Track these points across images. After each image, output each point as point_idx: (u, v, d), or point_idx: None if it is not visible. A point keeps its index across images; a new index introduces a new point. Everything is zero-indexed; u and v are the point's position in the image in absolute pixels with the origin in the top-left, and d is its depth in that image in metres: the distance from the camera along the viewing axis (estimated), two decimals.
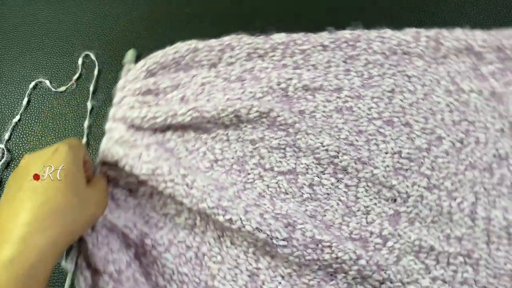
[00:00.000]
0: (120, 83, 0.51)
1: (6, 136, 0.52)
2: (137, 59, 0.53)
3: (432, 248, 0.44)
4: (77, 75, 0.54)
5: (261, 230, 0.43)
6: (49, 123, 0.53)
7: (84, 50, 0.55)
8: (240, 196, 0.46)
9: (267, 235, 0.43)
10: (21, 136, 0.52)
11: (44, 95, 0.54)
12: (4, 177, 0.51)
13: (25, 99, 0.53)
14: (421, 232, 0.45)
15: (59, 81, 0.54)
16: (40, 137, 0.52)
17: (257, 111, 0.48)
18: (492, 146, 0.47)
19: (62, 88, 0.54)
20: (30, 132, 0.52)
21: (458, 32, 0.51)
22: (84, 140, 0.52)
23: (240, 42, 0.51)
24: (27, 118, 0.53)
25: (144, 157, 0.46)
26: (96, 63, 0.54)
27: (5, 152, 0.51)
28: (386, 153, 0.48)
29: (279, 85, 0.50)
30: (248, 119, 0.48)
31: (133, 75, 0.51)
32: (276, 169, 0.47)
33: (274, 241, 0.43)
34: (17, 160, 0.51)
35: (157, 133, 0.49)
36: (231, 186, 0.47)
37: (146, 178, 0.45)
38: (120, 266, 0.43)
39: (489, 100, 0.49)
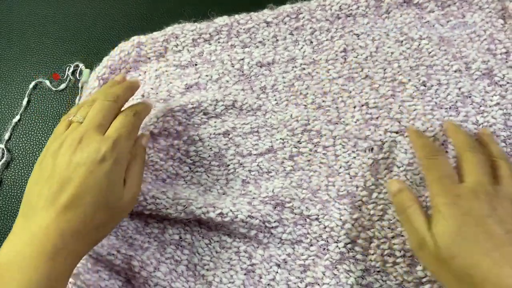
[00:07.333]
0: (80, 103, 0.52)
1: (6, 136, 0.53)
2: None
3: None
4: (71, 69, 0.55)
5: (253, 217, 0.45)
6: (49, 123, 0.54)
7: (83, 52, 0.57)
8: (225, 192, 0.48)
9: (260, 220, 0.45)
10: (21, 136, 0.54)
11: (44, 95, 0.55)
12: (4, 177, 0.52)
13: (25, 99, 0.55)
14: (399, 178, 0.47)
15: (59, 81, 0.56)
16: (40, 137, 0.54)
17: (222, 105, 0.50)
18: (454, 86, 0.50)
19: (63, 86, 0.55)
20: (30, 132, 0.54)
21: None
22: None
23: (183, 30, 0.53)
24: (27, 118, 0.54)
25: None
26: (82, 76, 0.55)
27: (5, 152, 0.53)
28: (354, 107, 0.50)
29: (233, 66, 0.52)
30: (216, 114, 0.50)
31: (88, 90, 0.52)
32: (254, 152, 0.49)
33: (267, 224, 0.46)
34: (17, 160, 0.53)
35: None
36: (214, 184, 0.48)
37: None
38: None
39: (439, 45, 0.52)
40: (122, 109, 0.43)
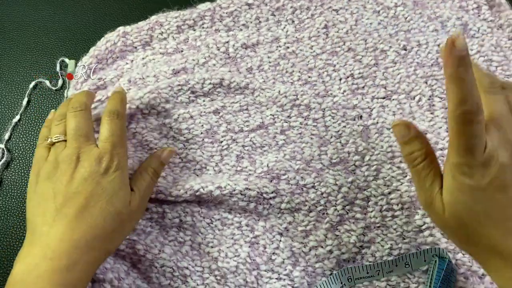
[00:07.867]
0: (70, 94, 0.53)
1: (6, 136, 0.53)
2: None
3: None
4: (70, 69, 0.55)
5: (250, 189, 0.47)
6: None
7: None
8: (221, 170, 0.49)
9: (257, 192, 0.47)
10: (21, 136, 0.54)
11: (44, 95, 0.56)
12: (4, 177, 0.52)
13: (25, 99, 0.55)
14: (390, 139, 0.50)
15: (56, 79, 0.56)
16: None
17: (210, 83, 0.51)
18: (433, 43, 0.53)
19: (60, 82, 0.55)
20: (30, 132, 0.54)
21: None
22: None
23: (167, 18, 0.55)
24: (27, 118, 0.55)
25: None
26: (67, 68, 0.55)
27: (5, 152, 0.53)
28: (340, 79, 0.52)
29: (218, 49, 0.53)
30: (204, 92, 0.51)
31: (76, 80, 0.53)
32: (245, 128, 0.51)
33: (265, 195, 0.47)
34: (17, 160, 0.53)
35: None
36: (209, 161, 0.50)
37: None
38: (119, 273, 0.45)
39: (414, 9, 0.55)
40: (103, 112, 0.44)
